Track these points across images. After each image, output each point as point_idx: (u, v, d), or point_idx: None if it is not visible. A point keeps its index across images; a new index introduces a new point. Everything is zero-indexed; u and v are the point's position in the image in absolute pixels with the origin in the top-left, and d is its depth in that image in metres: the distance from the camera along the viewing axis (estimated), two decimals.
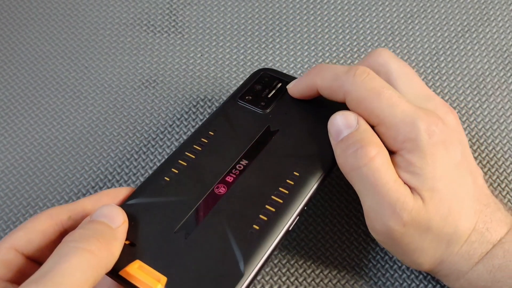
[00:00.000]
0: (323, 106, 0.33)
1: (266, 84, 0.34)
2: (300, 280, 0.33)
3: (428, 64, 0.42)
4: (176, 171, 0.30)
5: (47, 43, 0.43)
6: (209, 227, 0.27)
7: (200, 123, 0.37)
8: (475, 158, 0.38)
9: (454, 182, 0.28)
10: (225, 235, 0.27)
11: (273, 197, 0.28)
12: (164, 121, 0.40)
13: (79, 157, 0.38)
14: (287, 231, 0.27)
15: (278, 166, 0.30)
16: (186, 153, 0.31)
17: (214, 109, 0.40)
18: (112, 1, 0.45)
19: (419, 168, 0.28)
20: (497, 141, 0.38)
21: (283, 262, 0.34)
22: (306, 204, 0.29)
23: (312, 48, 0.43)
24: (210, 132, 0.32)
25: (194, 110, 0.40)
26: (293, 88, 0.33)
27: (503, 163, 0.37)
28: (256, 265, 0.25)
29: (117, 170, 0.37)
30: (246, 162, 0.30)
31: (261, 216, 0.27)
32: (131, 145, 0.38)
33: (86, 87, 0.41)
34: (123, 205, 0.28)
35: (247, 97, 0.34)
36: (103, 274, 0.24)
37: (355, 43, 0.43)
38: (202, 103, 0.40)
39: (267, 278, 0.33)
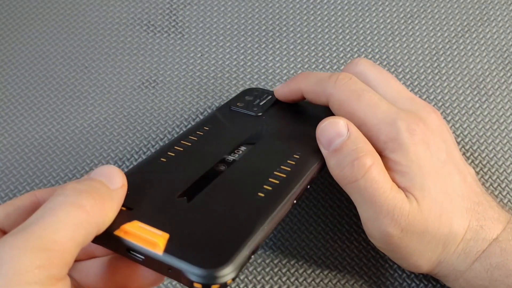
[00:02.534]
0: (315, 112, 0.33)
1: (256, 96, 0.36)
2: (300, 280, 0.33)
3: (428, 64, 0.42)
4: (173, 154, 0.29)
5: (47, 43, 0.43)
6: (213, 192, 0.26)
7: (207, 102, 0.40)
8: (475, 158, 0.38)
9: (442, 180, 0.28)
10: (231, 199, 0.26)
11: (275, 172, 0.28)
12: (164, 121, 0.39)
13: (79, 157, 0.38)
14: (293, 202, 0.27)
15: (279, 149, 0.30)
16: (181, 141, 0.30)
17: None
18: (112, 1, 0.45)
19: (406, 166, 0.28)
20: (497, 141, 0.38)
21: (283, 262, 0.34)
22: (311, 180, 0.29)
23: (312, 48, 0.43)
24: (205, 127, 0.32)
25: (194, 110, 0.40)
26: (279, 91, 0.34)
27: (503, 163, 0.37)
28: (264, 225, 0.24)
29: None
30: (245, 148, 0.30)
31: (265, 186, 0.27)
32: (131, 145, 0.38)
33: (86, 87, 0.41)
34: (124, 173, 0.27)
35: (239, 104, 0.35)
36: (94, 235, 0.22)
37: (355, 43, 0.43)
38: (202, 103, 0.40)
39: (267, 278, 0.33)
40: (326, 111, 0.32)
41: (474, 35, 0.43)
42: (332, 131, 0.29)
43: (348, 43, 0.43)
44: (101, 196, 0.22)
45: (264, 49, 0.43)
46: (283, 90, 0.34)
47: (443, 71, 0.41)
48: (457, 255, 0.28)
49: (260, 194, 0.26)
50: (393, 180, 0.28)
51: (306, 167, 0.29)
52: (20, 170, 0.38)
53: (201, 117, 0.40)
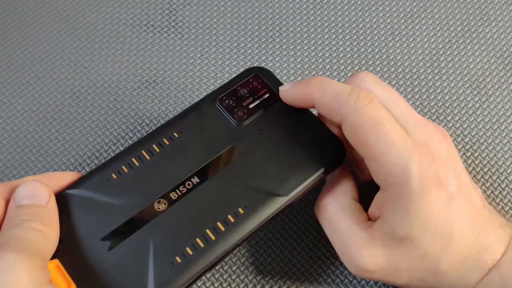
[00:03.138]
0: (303, 132, 0.30)
1: (252, 90, 0.32)
2: (300, 280, 0.33)
3: (428, 64, 0.42)
4: (126, 170, 0.28)
5: (47, 43, 0.43)
6: (134, 244, 0.26)
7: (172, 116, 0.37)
8: (475, 158, 0.38)
9: (442, 223, 0.27)
10: (146, 259, 0.26)
11: (207, 230, 0.27)
12: (164, 121, 0.39)
13: (79, 157, 0.38)
14: (208, 270, 0.26)
15: (227, 195, 0.28)
16: (142, 151, 0.29)
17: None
18: (112, 1, 0.45)
19: (402, 214, 0.26)
20: (497, 141, 0.38)
21: (284, 262, 0.34)
22: (238, 245, 0.27)
23: (312, 48, 0.43)
24: (175, 133, 0.30)
25: None
26: (286, 93, 0.31)
27: (503, 163, 0.37)
28: None
29: None
30: (197, 181, 0.28)
31: (187, 249, 0.26)
32: None
33: (86, 87, 0.41)
34: (62, 192, 0.28)
35: (226, 101, 0.31)
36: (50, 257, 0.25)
37: (355, 43, 0.43)
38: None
39: (267, 278, 0.33)
40: (319, 139, 0.30)
41: (474, 35, 0.43)
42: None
43: (348, 43, 0.43)
44: (44, 218, 0.25)
45: (264, 49, 0.43)
46: (292, 93, 0.30)
47: (443, 71, 0.41)
48: (452, 283, 0.28)
49: (177, 258, 0.26)
50: (381, 216, 0.28)
51: (241, 230, 0.27)
52: (20, 170, 0.38)
53: None
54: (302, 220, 0.35)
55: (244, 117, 0.30)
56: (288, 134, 0.30)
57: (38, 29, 0.44)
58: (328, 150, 0.30)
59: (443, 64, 0.42)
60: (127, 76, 0.42)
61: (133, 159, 0.29)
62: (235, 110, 0.31)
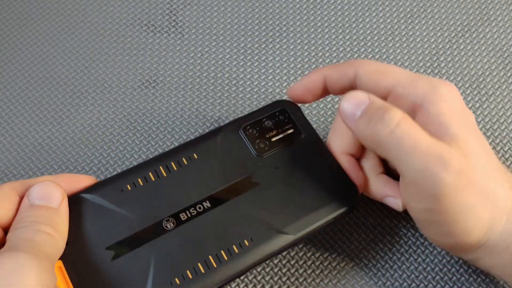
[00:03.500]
0: (320, 173, 0.30)
1: (278, 124, 0.32)
2: (300, 280, 0.33)
3: (428, 64, 0.42)
4: (141, 183, 0.29)
5: (47, 43, 0.43)
6: (137, 259, 0.27)
7: (207, 103, 0.38)
8: None
9: (479, 134, 0.28)
10: (146, 275, 0.26)
11: (210, 257, 0.27)
12: (164, 121, 0.39)
13: (79, 157, 0.38)
14: None
15: (235, 225, 0.28)
16: (160, 167, 0.29)
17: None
18: (112, 1, 0.45)
19: (445, 116, 0.27)
20: (497, 141, 0.38)
21: (283, 262, 0.34)
22: (238, 276, 0.27)
23: (312, 48, 0.43)
24: (194, 154, 0.30)
25: (194, 110, 0.40)
26: (293, 87, 0.32)
27: (503, 163, 0.37)
28: None
29: (117, 170, 0.37)
30: (208, 205, 0.28)
31: (188, 271, 0.26)
32: (131, 145, 0.38)
33: (86, 87, 0.41)
34: (76, 195, 0.28)
35: (250, 131, 0.31)
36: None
37: (355, 43, 0.43)
38: (202, 103, 0.40)
39: (267, 278, 0.33)
40: (334, 184, 0.30)
41: (474, 35, 0.43)
42: (354, 101, 0.28)
43: (348, 42, 0.43)
44: (55, 223, 0.25)
45: (264, 49, 0.43)
46: (299, 83, 0.31)
47: (443, 71, 0.41)
48: (507, 213, 0.27)
49: (177, 280, 0.26)
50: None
51: (244, 262, 0.27)
52: (20, 170, 0.38)
53: (201, 117, 0.40)
54: None
55: (265, 149, 0.31)
56: (305, 173, 0.30)
57: (38, 29, 0.44)
58: (342, 196, 0.30)
59: (443, 64, 0.42)
60: (127, 76, 0.42)
61: (150, 174, 0.29)
62: (257, 141, 0.31)
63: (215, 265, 0.27)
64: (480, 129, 0.39)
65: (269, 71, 0.42)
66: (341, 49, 0.43)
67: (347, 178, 0.30)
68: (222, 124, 0.34)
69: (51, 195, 0.26)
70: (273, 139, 0.31)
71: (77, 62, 0.42)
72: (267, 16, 0.44)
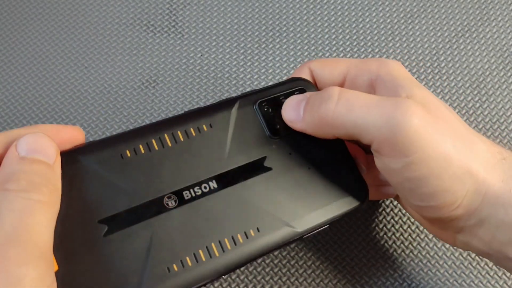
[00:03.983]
0: (332, 166, 0.28)
1: None
2: (300, 280, 0.33)
3: (428, 64, 0.42)
4: (142, 151, 0.25)
5: (47, 43, 0.43)
6: (132, 238, 0.23)
7: (207, 102, 0.36)
8: None
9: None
10: (141, 258, 0.23)
11: (212, 244, 0.24)
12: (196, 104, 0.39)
13: None
14: (203, 286, 0.24)
15: (242, 212, 0.26)
16: (165, 134, 0.26)
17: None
18: (112, 1, 0.45)
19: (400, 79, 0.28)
20: (497, 141, 0.38)
21: (283, 262, 0.34)
22: (238, 267, 0.25)
23: (312, 48, 0.43)
24: (204, 126, 0.27)
25: None
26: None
27: None
28: None
29: None
30: (215, 186, 0.26)
31: (187, 258, 0.24)
32: None
33: (86, 87, 0.41)
34: (68, 154, 0.24)
35: (266, 108, 0.28)
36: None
37: (355, 43, 0.43)
38: (202, 104, 0.40)
39: (267, 278, 0.33)
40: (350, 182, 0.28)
41: (474, 35, 0.43)
42: (293, 104, 0.27)
43: (348, 42, 0.43)
44: (50, 181, 0.21)
45: (264, 49, 0.43)
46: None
47: (443, 71, 0.41)
48: (500, 181, 0.25)
49: (174, 266, 0.23)
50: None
51: (247, 253, 0.25)
52: None
53: None
54: None
55: (279, 131, 0.28)
56: (317, 163, 0.28)
57: (38, 28, 0.44)
58: (352, 192, 0.28)
59: (443, 64, 0.42)
60: (127, 76, 0.42)
61: (153, 141, 0.25)
62: (272, 120, 0.28)
63: (217, 254, 0.24)
64: (480, 129, 0.39)
65: (269, 71, 0.42)
66: (341, 49, 0.43)
67: (358, 173, 0.29)
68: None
69: (45, 149, 0.22)
70: None
71: (77, 62, 0.42)
72: (267, 16, 0.44)
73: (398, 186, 0.27)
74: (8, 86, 0.41)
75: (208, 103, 0.40)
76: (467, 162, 0.25)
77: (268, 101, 0.28)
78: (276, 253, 0.34)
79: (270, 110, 0.28)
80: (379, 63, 0.29)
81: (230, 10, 0.45)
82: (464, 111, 0.39)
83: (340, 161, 0.28)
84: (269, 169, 0.27)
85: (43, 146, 0.22)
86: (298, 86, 0.29)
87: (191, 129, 0.26)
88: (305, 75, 0.31)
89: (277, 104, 0.28)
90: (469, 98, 0.40)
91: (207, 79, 0.41)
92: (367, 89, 0.29)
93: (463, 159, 0.25)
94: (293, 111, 0.27)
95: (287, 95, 0.29)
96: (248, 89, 0.41)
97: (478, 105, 0.40)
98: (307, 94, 0.28)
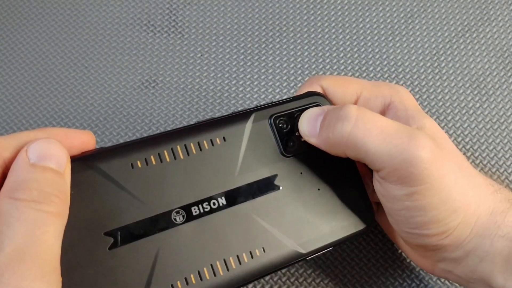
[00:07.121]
0: (341, 188, 0.28)
1: None
2: (300, 280, 0.33)
3: (428, 64, 0.42)
4: (154, 162, 0.24)
5: (47, 43, 0.43)
6: (137, 253, 0.23)
7: (207, 103, 0.37)
8: (475, 158, 0.38)
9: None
10: (145, 274, 0.23)
11: (217, 262, 0.24)
12: (164, 121, 0.39)
13: None
14: None
15: (249, 230, 0.25)
16: (178, 146, 0.25)
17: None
18: (112, 1, 0.45)
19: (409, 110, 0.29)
20: (497, 141, 0.38)
21: (283, 279, 0.34)
22: (242, 286, 0.25)
23: (312, 48, 0.43)
24: (217, 139, 0.26)
25: (193, 110, 0.40)
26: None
27: (503, 163, 0.37)
28: None
29: None
30: (224, 203, 0.25)
31: (191, 276, 0.23)
32: None
33: (86, 87, 0.41)
34: (78, 161, 0.23)
35: (281, 124, 0.28)
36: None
37: (355, 43, 0.43)
38: (202, 103, 0.40)
39: (267, 278, 0.33)
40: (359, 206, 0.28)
41: (474, 35, 0.43)
42: (312, 117, 0.27)
43: (348, 43, 0.43)
44: (61, 191, 0.21)
45: (264, 49, 0.43)
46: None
47: (443, 71, 0.41)
48: (490, 215, 0.26)
49: (178, 284, 0.23)
50: None
51: (253, 273, 0.25)
52: None
53: (201, 117, 0.40)
54: None
55: (293, 148, 0.28)
56: (327, 184, 0.28)
57: (38, 28, 0.44)
58: (360, 215, 0.28)
59: (443, 64, 0.42)
60: (127, 76, 0.42)
61: (165, 152, 0.25)
62: (286, 137, 0.28)
63: (221, 273, 0.24)
64: (480, 129, 0.39)
65: (269, 71, 0.42)
66: (341, 49, 0.43)
67: (366, 195, 0.28)
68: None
69: (57, 156, 0.21)
70: (303, 138, 0.28)
71: (77, 62, 0.42)
72: (267, 16, 0.44)
73: (393, 212, 0.27)
74: (8, 86, 0.41)
75: (208, 103, 0.40)
76: (464, 196, 0.26)
77: (283, 116, 0.28)
78: None
79: (285, 126, 0.28)
80: (391, 90, 0.30)
81: (230, 10, 0.45)
82: (464, 111, 0.39)
83: (350, 183, 0.28)
84: (278, 187, 0.27)
85: (54, 153, 0.21)
86: (314, 101, 0.29)
87: (204, 142, 0.26)
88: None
89: (292, 120, 0.28)
90: (469, 98, 0.40)
91: (207, 79, 0.41)
92: (379, 112, 0.29)
93: (461, 193, 0.26)
94: (310, 126, 0.27)
95: (303, 111, 0.28)
96: (248, 89, 0.41)
97: (478, 105, 0.40)
98: (325, 107, 0.28)
